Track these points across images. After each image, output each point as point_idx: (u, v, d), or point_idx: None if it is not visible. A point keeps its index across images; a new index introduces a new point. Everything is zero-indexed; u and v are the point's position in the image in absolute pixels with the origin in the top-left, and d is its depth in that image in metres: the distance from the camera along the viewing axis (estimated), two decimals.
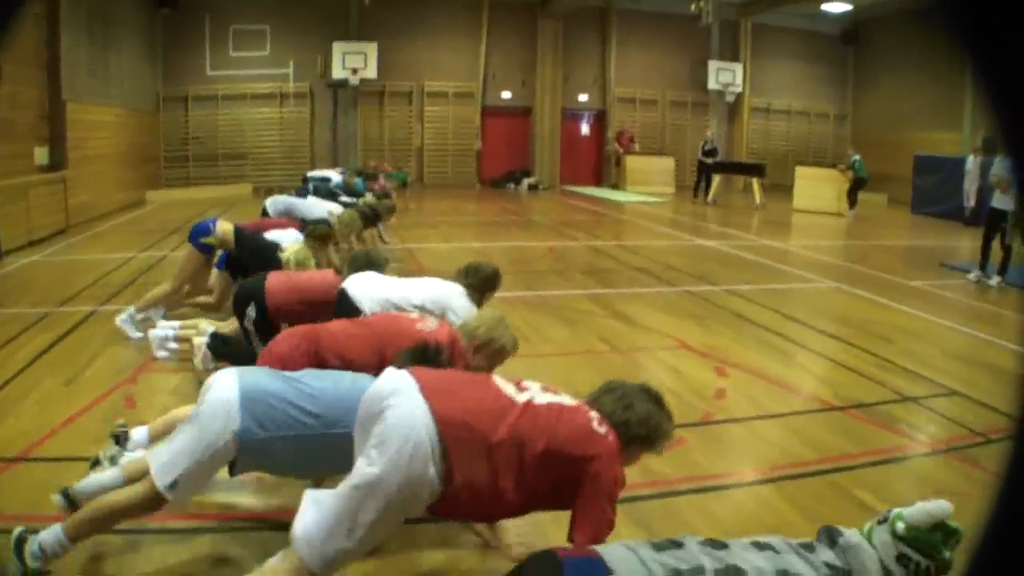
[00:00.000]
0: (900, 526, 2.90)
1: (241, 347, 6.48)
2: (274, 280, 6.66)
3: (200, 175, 26.76)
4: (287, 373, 4.02)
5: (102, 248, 14.58)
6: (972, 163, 21.03)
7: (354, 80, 27.26)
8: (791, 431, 6.33)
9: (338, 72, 27.15)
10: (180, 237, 14.77)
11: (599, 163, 31.05)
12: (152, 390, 6.91)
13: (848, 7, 28.47)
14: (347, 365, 4.58)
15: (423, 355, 3.73)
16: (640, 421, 3.43)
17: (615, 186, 29.24)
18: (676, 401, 5.42)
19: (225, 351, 6.31)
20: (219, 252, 8.92)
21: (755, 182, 25.49)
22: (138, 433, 5.04)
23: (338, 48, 27.09)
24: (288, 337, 4.96)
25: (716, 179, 26.04)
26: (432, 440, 3.17)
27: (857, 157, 23.57)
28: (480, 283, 6.14)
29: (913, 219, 23.24)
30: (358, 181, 16.81)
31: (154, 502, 3.79)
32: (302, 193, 13.37)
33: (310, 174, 17.61)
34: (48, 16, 17.01)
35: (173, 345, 7.86)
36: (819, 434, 6.26)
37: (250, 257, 8.34)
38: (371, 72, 27.29)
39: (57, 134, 17.21)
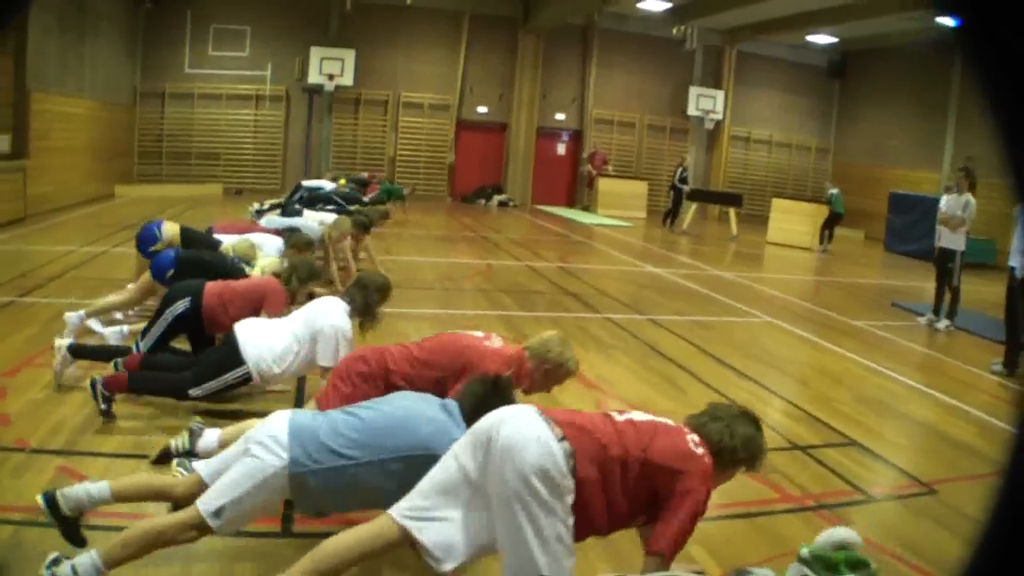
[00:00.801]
0: (805, 551, 3.41)
1: (103, 350, 6.91)
2: (211, 285, 6.97)
3: (172, 173, 26.41)
4: (337, 410, 4.13)
5: (50, 240, 14.37)
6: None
7: (330, 86, 26.92)
8: None
9: (314, 77, 26.79)
10: (129, 234, 14.44)
11: (573, 184, 30.59)
12: (28, 384, 6.73)
13: (834, 40, 28.17)
14: (412, 386, 4.80)
15: (494, 387, 4.02)
16: (744, 445, 3.72)
17: (587, 208, 28.81)
18: None
19: (83, 352, 6.75)
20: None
21: (731, 212, 25.03)
22: (210, 434, 5.20)
23: (316, 53, 26.71)
24: (357, 361, 5.24)
25: (692, 207, 25.59)
26: (552, 441, 3.36)
27: (835, 191, 23.33)
28: (362, 299, 6.20)
29: (885, 257, 22.94)
30: (350, 188, 16.98)
31: (198, 529, 3.71)
32: (292, 208, 13.33)
33: (304, 183, 17.25)
34: None
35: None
36: None
37: (194, 259, 8.28)
38: (347, 79, 26.95)
39: (20, 123, 16.98)
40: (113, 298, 8.61)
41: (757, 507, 5.47)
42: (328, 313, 6.10)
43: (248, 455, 3.78)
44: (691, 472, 3.48)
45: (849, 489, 5.95)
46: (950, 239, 12.76)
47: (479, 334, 5.39)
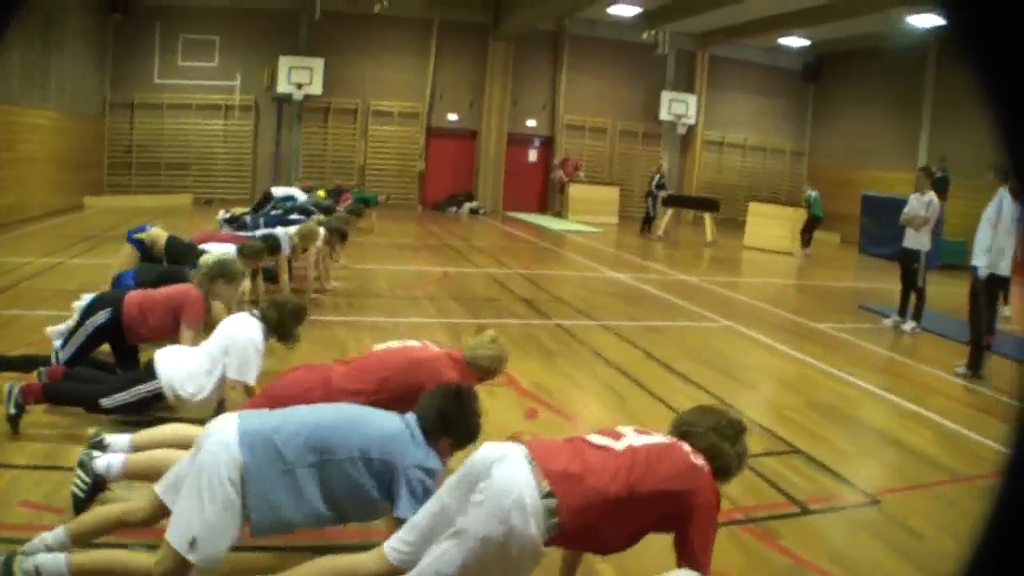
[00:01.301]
0: None
1: (24, 360, 6.82)
2: (132, 295, 6.95)
3: (142, 183, 26.24)
4: (286, 410, 4.04)
5: (10, 251, 14.28)
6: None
7: (299, 95, 26.73)
8: None
9: (283, 86, 26.61)
10: (90, 245, 15.29)
11: (544, 190, 30.31)
12: None
13: (806, 42, 27.99)
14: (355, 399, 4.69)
15: (457, 399, 4.02)
16: (737, 455, 3.74)
17: (559, 214, 28.56)
18: None
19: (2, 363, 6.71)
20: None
21: (707, 217, 24.55)
22: (118, 440, 5.00)
23: (284, 62, 26.56)
24: (300, 380, 5.10)
25: (667, 213, 25.18)
26: (534, 499, 3.25)
27: (813, 193, 23.12)
28: (276, 320, 6.07)
29: (860, 260, 22.72)
30: (322, 197, 17.06)
31: (180, 570, 3.59)
32: (261, 216, 13.58)
33: (274, 191, 16.99)
34: None
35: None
36: None
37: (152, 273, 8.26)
38: (316, 88, 26.77)
39: None
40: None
41: None
42: (240, 326, 5.94)
43: (197, 467, 3.65)
44: (699, 488, 3.49)
45: (783, 501, 5.67)
46: (914, 239, 12.50)
47: (415, 343, 5.36)
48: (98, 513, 4.01)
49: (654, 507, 3.45)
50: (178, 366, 5.86)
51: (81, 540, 3.86)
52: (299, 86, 26.57)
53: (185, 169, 26.74)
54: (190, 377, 5.82)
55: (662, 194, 25.18)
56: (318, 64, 26.72)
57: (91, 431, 5.14)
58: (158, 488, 3.82)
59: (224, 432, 3.72)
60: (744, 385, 8.75)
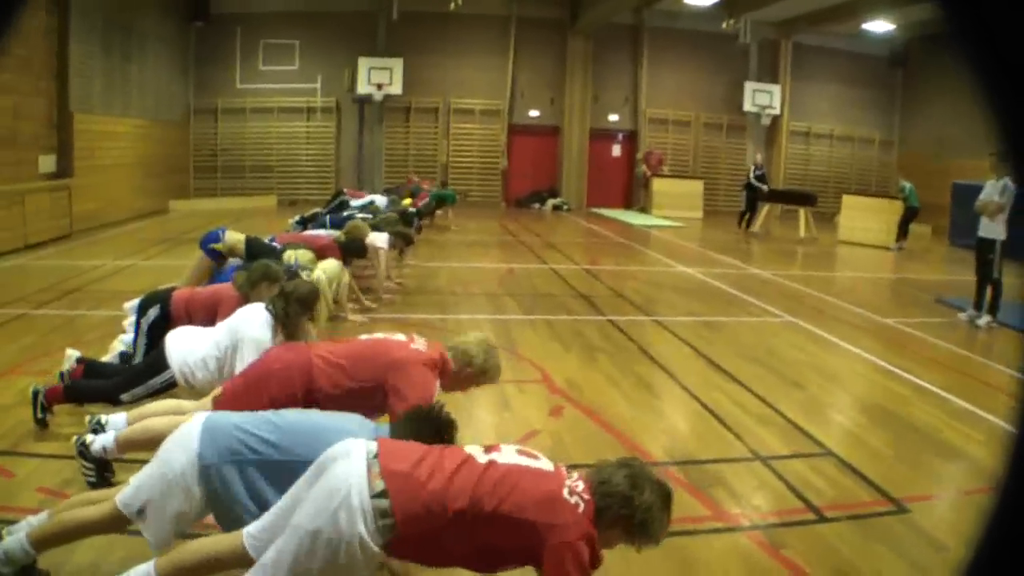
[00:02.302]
0: None
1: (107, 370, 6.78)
2: (179, 292, 7.11)
3: (227, 186, 26.94)
4: (252, 413, 4.02)
5: (87, 255, 14.82)
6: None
7: (379, 96, 26.94)
8: None
9: (363, 87, 26.91)
10: (163, 247, 15.94)
11: (629, 185, 30.05)
12: (3, 390, 7.03)
13: (891, 27, 27.18)
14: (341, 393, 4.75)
15: (427, 416, 3.91)
16: (644, 507, 3.26)
17: (643, 209, 28.26)
18: (468, 436, 4.74)
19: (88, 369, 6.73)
20: (230, 261, 9.10)
21: (803, 212, 23.37)
22: (116, 420, 5.19)
23: (364, 63, 26.85)
24: (278, 358, 5.00)
25: (766, 208, 24.40)
26: (362, 497, 3.17)
27: (908, 185, 22.37)
28: (282, 310, 5.96)
29: (949, 252, 21.96)
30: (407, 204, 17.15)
31: (119, 523, 3.77)
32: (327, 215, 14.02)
33: (352, 202, 16.87)
34: (59, 28, 17.43)
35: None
36: None
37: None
38: (396, 88, 26.99)
39: (64, 143, 17.68)
40: None
41: (678, 524, 4.91)
42: (249, 323, 5.94)
43: (162, 453, 3.76)
44: (559, 525, 3.17)
45: (800, 507, 5.42)
46: (988, 228, 11.97)
47: (401, 337, 5.19)
48: (61, 519, 3.99)
49: (505, 532, 3.21)
50: (191, 350, 5.90)
51: (41, 546, 3.89)
52: (379, 86, 26.82)
53: (269, 171, 27.27)
54: (199, 364, 5.86)
55: (764, 188, 24.29)
56: (397, 64, 26.92)
57: (88, 418, 5.25)
58: (119, 499, 3.78)
59: (189, 424, 3.81)
60: (789, 383, 8.44)
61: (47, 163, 17.20)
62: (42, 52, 16.95)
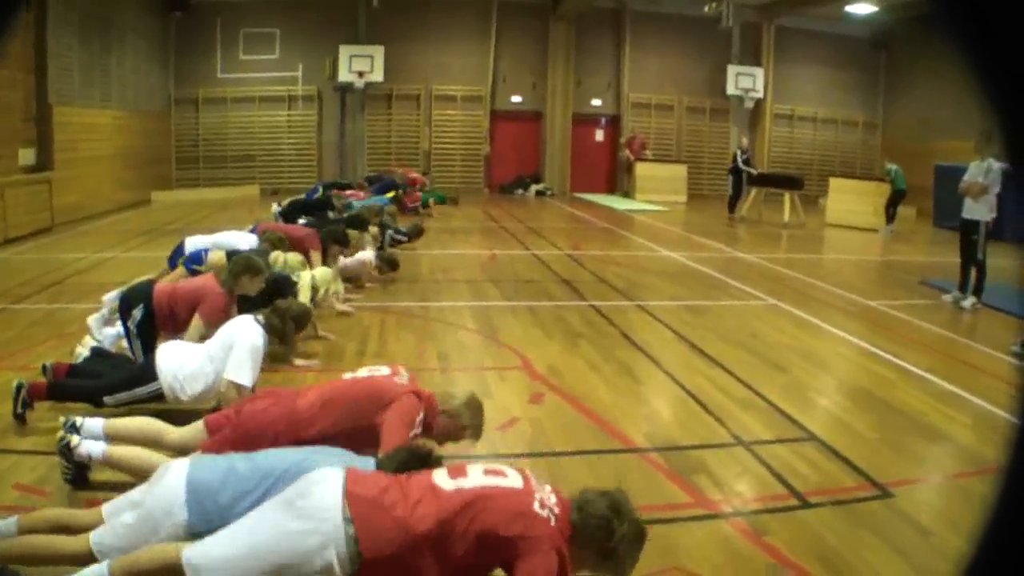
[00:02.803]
0: None
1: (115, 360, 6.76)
2: (160, 287, 7.12)
3: (209, 176, 26.87)
4: (237, 458, 4.06)
5: (68, 248, 14.85)
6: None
7: (360, 83, 26.77)
8: (549, 475, 5.17)
9: (344, 75, 26.75)
10: (145, 239, 15.84)
11: (613, 170, 29.97)
12: None
13: (874, 8, 27.05)
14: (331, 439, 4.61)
15: (413, 457, 3.87)
16: (620, 536, 3.32)
17: (627, 194, 28.19)
18: None
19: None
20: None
21: (788, 196, 22.68)
22: (92, 425, 5.10)
23: (345, 51, 26.71)
24: (264, 414, 4.88)
25: (753, 192, 23.56)
26: (336, 526, 3.22)
27: (894, 167, 22.27)
28: (279, 325, 6.19)
29: (934, 233, 21.90)
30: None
31: (90, 560, 3.68)
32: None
33: (355, 203, 16.42)
34: (35, 21, 17.34)
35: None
36: (579, 480, 5.04)
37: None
38: (378, 75, 26.86)
39: (44, 136, 17.61)
40: None
41: (658, 512, 4.86)
42: (243, 330, 6.01)
43: (145, 511, 3.76)
44: (526, 536, 3.24)
45: (783, 492, 5.34)
46: (972, 208, 11.91)
47: (386, 371, 5.16)
48: (37, 543, 3.96)
49: (480, 552, 3.27)
50: (181, 366, 5.91)
51: (8, 560, 3.87)
52: (360, 74, 26.69)
53: (251, 161, 27.19)
54: (188, 379, 5.87)
55: (753, 171, 23.70)
56: (378, 52, 26.79)
57: (61, 419, 5.13)
58: (105, 508, 3.87)
59: (173, 484, 3.81)
60: (772, 366, 8.37)
61: (27, 156, 17.13)
62: (19, 45, 16.85)
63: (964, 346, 9.79)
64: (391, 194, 19.37)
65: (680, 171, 27.87)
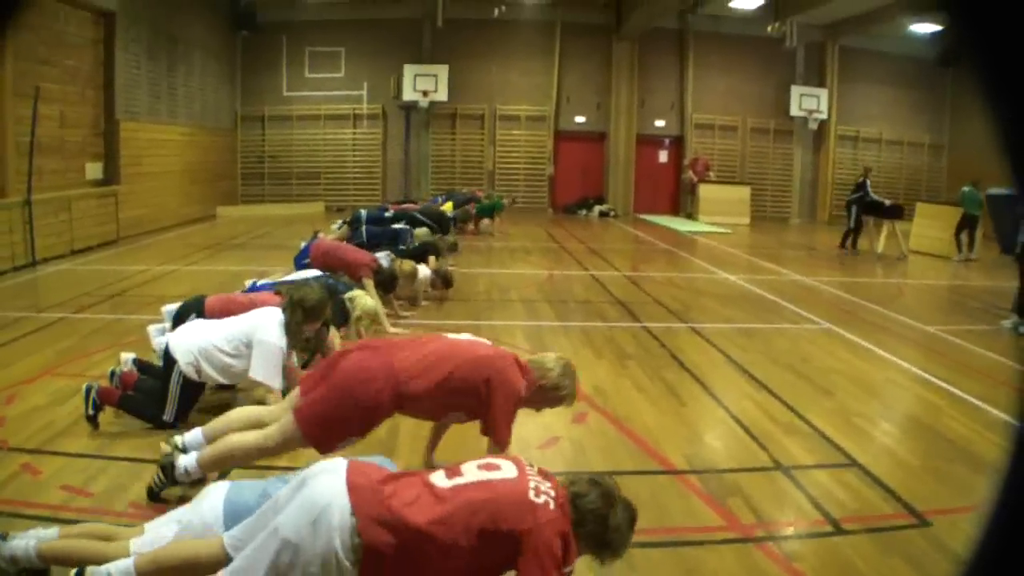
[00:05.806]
0: None
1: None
2: (213, 300, 7.23)
3: (275, 192, 27.45)
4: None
5: (132, 260, 15.30)
6: None
7: (424, 102, 27.02)
8: None
9: (409, 94, 27.03)
10: (207, 253, 16.31)
11: (676, 191, 29.92)
12: (38, 391, 7.21)
13: (938, 27, 26.72)
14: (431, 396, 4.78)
15: None
16: (614, 527, 3.39)
17: (690, 215, 28.15)
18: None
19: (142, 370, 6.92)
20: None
21: (887, 225, 20.96)
22: (192, 438, 5.14)
23: (409, 70, 27.01)
24: (361, 367, 4.75)
25: (884, 226, 21.15)
26: (343, 516, 3.20)
27: (967, 188, 20.50)
28: (299, 315, 6.22)
29: (1002, 258, 21.25)
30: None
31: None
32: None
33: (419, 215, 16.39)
34: (104, 40, 17.87)
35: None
36: None
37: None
38: (442, 94, 27.13)
39: (111, 150, 18.17)
40: None
41: (691, 535, 4.92)
42: (265, 329, 6.11)
43: (185, 525, 3.87)
44: (533, 527, 3.25)
45: (818, 518, 5.33)
46: None
47: (486, 341, 5.23)
48: (75, 545, 4.04)
49: (485, 547, 3.26)
50: (193, 341, 6.12)
51: (48, 562, 3.97)
52: (424, 93, 26.95)
53: (316, 178, 27.68)
54: (205, 353, 6.07)
55: (886, 202, 21.07)
56: (443, 71, 27.05)
57: (163, 447, 5.14)
58: (132, 546, 3.88)
59: (209, 511, 3.90)
60: (819, 390, 8.33)
61: (94, 170, 17.67)
62: (89, 62, 17.37)
63: (1020, 373, 9.64)
64: (448, 205, 19.54)
65: (744, 193, 27.75)
